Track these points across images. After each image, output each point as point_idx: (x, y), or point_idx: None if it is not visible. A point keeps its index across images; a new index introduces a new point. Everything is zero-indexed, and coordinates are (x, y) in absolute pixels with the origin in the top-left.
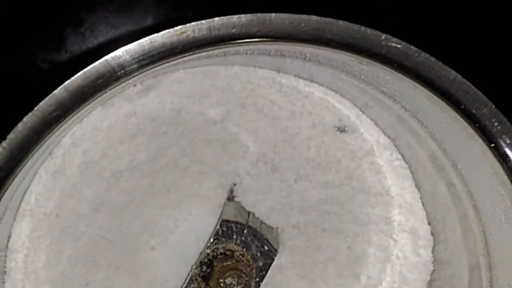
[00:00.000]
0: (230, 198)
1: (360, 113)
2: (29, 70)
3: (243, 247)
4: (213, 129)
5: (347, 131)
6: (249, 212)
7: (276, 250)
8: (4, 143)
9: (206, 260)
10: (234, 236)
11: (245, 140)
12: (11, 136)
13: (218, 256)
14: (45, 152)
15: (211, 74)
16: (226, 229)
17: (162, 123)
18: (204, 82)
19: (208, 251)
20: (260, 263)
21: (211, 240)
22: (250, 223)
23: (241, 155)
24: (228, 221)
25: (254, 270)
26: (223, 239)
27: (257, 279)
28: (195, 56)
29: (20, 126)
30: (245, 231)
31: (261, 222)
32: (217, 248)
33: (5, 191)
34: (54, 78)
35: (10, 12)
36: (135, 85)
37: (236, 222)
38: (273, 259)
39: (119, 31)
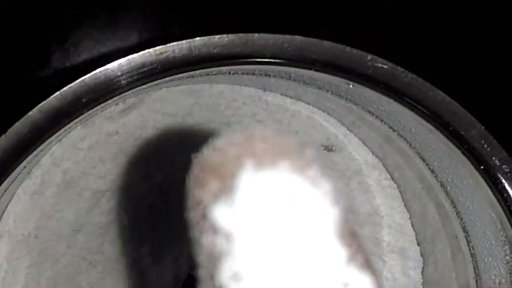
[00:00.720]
0: None
1: (348, 132)
2: (12, 86)
3: None
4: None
5: (334, 150)
6: None
7: None
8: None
9: (191, 281)
10: None
11: None
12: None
13: None
14: (23, 172)
15: (196, 93)
16: None
17: (144, 142)
18: (188, 100)
19: (193, 273)
20: None
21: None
22: None
23: None
24: None
25: None
26: None
27: None
28: (177, 76)
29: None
30: None
31: None
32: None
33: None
34: (37, 95)
35: None
36: (117, 104)
37: None
38: None
39: (105, 47)
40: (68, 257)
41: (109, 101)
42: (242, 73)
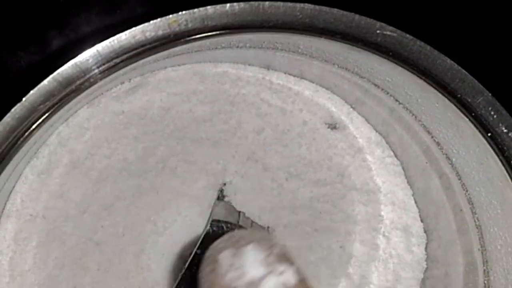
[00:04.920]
0: (220, 198)
1: (351, 110)
2: (12, 71)
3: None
4: (202, 128)
5: (338, 128)
6: (239, 212)
7: None
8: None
9: (196, 261)
10: (226, 237)
11: (235, 139)
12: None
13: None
14: (30, 151)
15: (200, 72)
16: (217, 229)
17: (150, 122)
18: (193, 80)
19: (199, 251)
20: None
21: (202, 240)
22: (240, 223)
23: (231, 153)
24: (218, 221)
25: None
26: (213, 239)
27: None
28: (186, 48)
29: (8, 117)
30: (235, 231)
31: (252, 222)
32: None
33: None
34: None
35: None
36: (122, 83)
37: (226, 222)
38: None
39: (104, 32)
40: (75, 237)
41: (121, 71)
42: (250, 47)
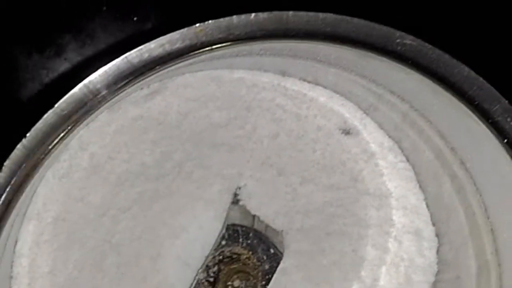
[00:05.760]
0: (235, 202)
1: (365, 115)
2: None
3: (249, 251)
4: (218, 133)
5: (351, 133)
6: (254, 216)
7: (281, 254)
8: (24, 141)
9: (212, 264)
10: (240, 240)
11: (250, 144)
12: (31, 133)
13: (224, 260)
14: (52, 155)
15: (217, 78)
16: (232, 232)
17: (168, 127)
18: (210, 86)
19: (215, 254)
20: (266, 266)
21: (217, 244)
22: (255, 227)
23: (246, 158)
24: (234, 224)
25: (260, 273)
26: (229, 242)
27: (263, 283)
28: (207, 56)
29: (41, 123)
30: (250, 235)
31: (266, 226)
32: (223, 252)
33: (24, 190)
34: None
35: (10, 16)
36: (141, 89)
37: (242, 226)
38: (278, 263)
39: (119, 38)
40: (94, 240)
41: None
42: (270, 54)
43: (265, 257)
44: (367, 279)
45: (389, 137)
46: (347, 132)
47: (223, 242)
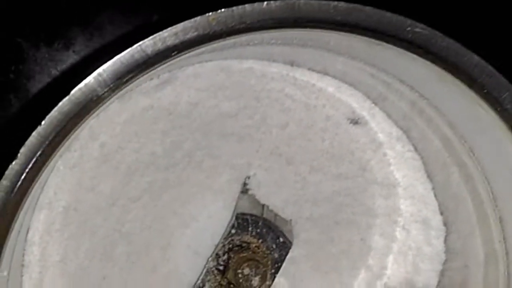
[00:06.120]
0: (244, 191)
1: (373, 105)
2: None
3: (258, 239)
4: (228, 123)
5: (360, 123)
6: (263, 205)
7: (291, 242)
8: (39, 128)
9: (222, 252)
10: (250, 228)
11: (259, 133)
12: (46, 121)
13: (234, 248)
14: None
15: (226, 68)
16: (242, 221)
17: (178, 117)
18: (220, 76)
19: (225, 243)
20: (276, 255)
21: (227, 232)
22: (264, 216)
23: (255, 148)
24: (243, 213)
25: (269, 262)
26: (238, 231)
27: (273, 271)
28: (219, 45)
29: (56, 111)
30: (260, 223)
31: (276, 215)
32: (233, 240)
33: (38, 178)
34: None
35: (19, 9)
36: (151, 79)
37: (251, 215)
38: (288, 251)
39: (127, 30)
40: (105, 229)
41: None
42: (280, 43)
43: (274, 246)
44: (375, 267)
45: (397, 126)
46: (355, 122)
47: (233, 231)
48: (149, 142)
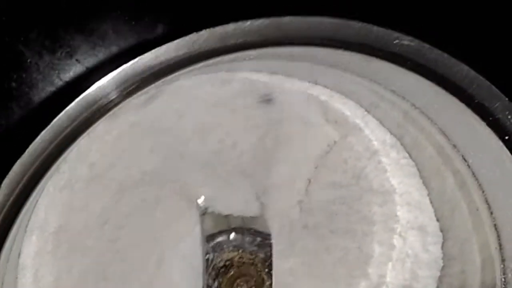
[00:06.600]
0: (203, 213)
1: (366, 113)
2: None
3: (238, 250)
4: (208, 138)
5: (353, 131)
6: (226, 216)
7: (269, 234)
8: (21, 158)
9: (211, 282)
10: (224, 246)
11: (245, 144)
12: (29, 149)
13: (220, 271)
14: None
15: (213, 79)
16: (214, 243)
17: (165, 132)
18: (205, 88)
19: (209, 272)
20: (261, 255)
21: (205, 263)
22: (233, 226)
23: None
24: (211, 235)
25: (259, 264)
26: (215, 254)
27: (266, 270)
28: (204, 64)
29: (38, 140)
30: (232, 235)
31: (242, 218)
32: (215, 265)
33: (23, 207)
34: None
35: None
36: (139, 96)
37: (219, 232)
38: (271, 244)
39: (130, 40)
40: (97, 249)
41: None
42: (267, 59)
43: (256, 248)
44: (373, 275)
45: (391, 134)
46: (349, 130)
47: (210, 256)
48: (139, 158)
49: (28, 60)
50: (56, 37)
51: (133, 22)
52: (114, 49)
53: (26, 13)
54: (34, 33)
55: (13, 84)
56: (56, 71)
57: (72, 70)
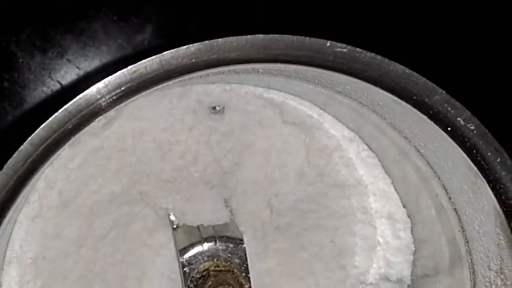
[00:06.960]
0: (175, 227)
1: (321, 111)
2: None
3: (213, 259)
4: (173, 153)
5: (311, 129)
6: (198, 227)
7: (241, 239)
8: None
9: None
10: (199, 257)
11: (207, 157)
12: None
13: (199, 283)
14: (21, 198)
15: (168, 96)
16: (188, 256)
17: (127, 153)
18: (163, 103)
19: (188, 282)
20: (237, 260)
21: (183, 277)
22: (205, 236)
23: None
24: (184, 248)
25: (236, 270)
26: (192, 266)
27: (243, 274)
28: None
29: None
30: (204, 246)
31: (213, 226)
32: (193, 278)
33: None
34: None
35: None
36: (98, 120)
37: (191, 244)
38: (244, 248)
39: (119, 40)
40: (77, 272)
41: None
42: (213, 74)
43: (230, 255)
44: (348, 266)
45: (349, 128)
46: (307, 129)
47: (186, 270)
48: (106, 181)
49: (20, 60)
50: (47, 37)
51: (122, 23)
52: (104, 49)
53: (17, 14)
54: (25, 34)
55: (6, 84)
56: (48, 71)
57: (63, 70)
